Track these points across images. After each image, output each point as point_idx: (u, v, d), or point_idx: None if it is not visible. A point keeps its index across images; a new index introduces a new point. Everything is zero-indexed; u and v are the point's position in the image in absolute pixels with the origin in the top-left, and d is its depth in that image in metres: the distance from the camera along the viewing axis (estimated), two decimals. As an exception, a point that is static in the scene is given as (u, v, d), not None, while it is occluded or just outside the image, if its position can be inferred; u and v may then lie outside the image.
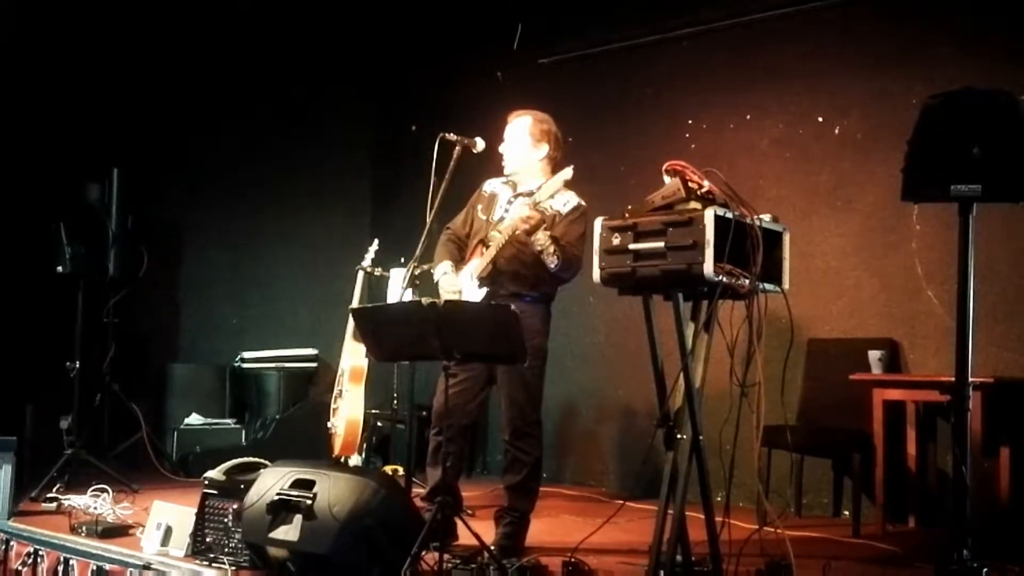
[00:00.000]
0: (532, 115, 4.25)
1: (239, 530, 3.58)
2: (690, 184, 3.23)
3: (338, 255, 6.82)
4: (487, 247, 4.12)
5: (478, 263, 4.14)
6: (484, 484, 5.72)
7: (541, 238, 3.95)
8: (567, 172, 3.94)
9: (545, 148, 4.21)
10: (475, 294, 4.11)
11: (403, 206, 6.56)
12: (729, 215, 3.15)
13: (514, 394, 4.10)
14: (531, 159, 4.21)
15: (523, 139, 4.21)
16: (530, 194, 4.12)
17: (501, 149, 4.26)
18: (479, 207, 4.32)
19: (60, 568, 3.87)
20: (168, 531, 3.83)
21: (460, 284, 4.17)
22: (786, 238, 3.41)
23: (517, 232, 3.97)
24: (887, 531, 4.60)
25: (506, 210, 4.20)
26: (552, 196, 4.01)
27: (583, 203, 4.15)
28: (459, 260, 4.28)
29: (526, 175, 4.22)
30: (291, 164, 7.26)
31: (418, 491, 4.37)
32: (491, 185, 4.37)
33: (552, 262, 4.00)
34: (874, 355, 4.82)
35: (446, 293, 4.15)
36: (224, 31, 6.80)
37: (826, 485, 5.31)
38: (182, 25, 6.64)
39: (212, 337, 7.03)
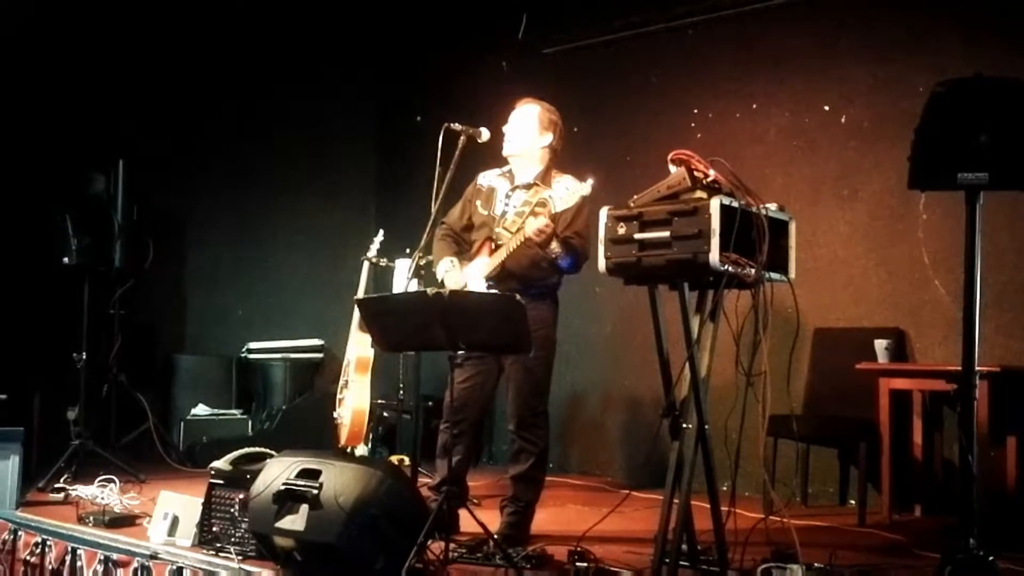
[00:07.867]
0: (542, 104, 4.22)
1: (245, 520, 3.59)
2: (696, 173, 3.22)
3: (343, 245, 6.83)
4: (496, 245, 4.07)
5: (487, 263, 4.08)
6: (490, 474, 5.73)
7: (554, 246, 3.93)
8: (587, 188, 3.84)
9: (549, 137, 4.17)
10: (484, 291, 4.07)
11: (408, 196, 6.54)
12: (735, 204, 3.14)
13: (521, 384, 4.08)
14: (534, 146, 4.17)
15: (530, 124, 4.17)
16: (529, 187, 4.10)
17: (504, 130, 4.19)
18: (477, 201, 4.27)
19: (67, 558, 3.89)
20: (175, 521, 3.85)
21: (466, 279, 4.14)
22: (792, 227, 3.40)
23: (529, 240, 3.90)
24: (893, 520, 4.60)
25: (506, 204, 4.17)
26: (564, 194, 3.92)
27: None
28: (458, 255, 4.25)
29: (525, 161, 4.18)
30: (297, 155, 7.28)
31: (424, 481, 4.38)
32: (487, 178, 4.31)
33: (564, 262, 4.00)
34: (880, 344, 4.80)
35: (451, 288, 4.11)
36: (230, 21, 6.80)
37: (832, 474, 5.31)
38: (187, 15, 6.63)
39: (218, 328, 7.04)
